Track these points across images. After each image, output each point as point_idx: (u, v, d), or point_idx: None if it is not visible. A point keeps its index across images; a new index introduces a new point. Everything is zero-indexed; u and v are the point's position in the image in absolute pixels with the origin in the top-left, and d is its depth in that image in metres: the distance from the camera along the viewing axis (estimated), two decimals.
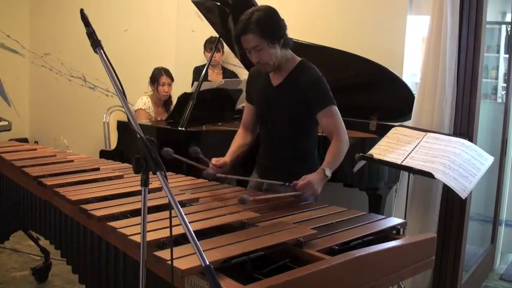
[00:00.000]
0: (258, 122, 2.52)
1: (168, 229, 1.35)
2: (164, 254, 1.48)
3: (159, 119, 4.21)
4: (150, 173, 1.36)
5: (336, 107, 2.32)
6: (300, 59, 2.39)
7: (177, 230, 1.42)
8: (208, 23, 3.89)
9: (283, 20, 2.27)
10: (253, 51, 2.23)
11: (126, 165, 2.74)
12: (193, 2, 3.72)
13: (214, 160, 2.39)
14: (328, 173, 2.22)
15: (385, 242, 1.72)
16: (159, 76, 4.22)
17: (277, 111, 2.37)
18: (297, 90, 2.30)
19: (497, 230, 4.00)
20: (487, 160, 2.74)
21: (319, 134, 2.49)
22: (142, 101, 4.24)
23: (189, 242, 1.25)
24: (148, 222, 1.43)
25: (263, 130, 2.50)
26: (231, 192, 2.31)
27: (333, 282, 1.47)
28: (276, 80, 2.37)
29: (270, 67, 2.30)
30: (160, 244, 1.58)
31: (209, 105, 3.80)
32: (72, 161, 2.79)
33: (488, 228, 4.00)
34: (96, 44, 1.51)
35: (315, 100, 2.29)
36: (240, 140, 2.53)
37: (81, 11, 1.52)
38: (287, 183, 2.20)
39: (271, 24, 2.21)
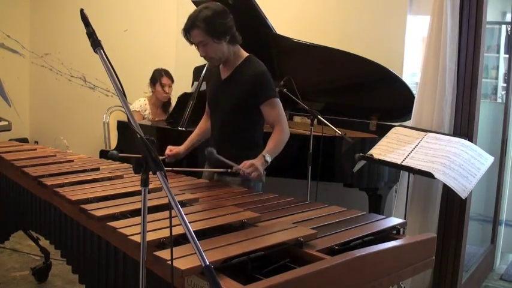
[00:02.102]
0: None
1: (168, 229, 1.35)
2: (164, 254, 1.48)
3: (156, 119, 4.20)
4: (150, 173, 1.36)
5: (278, 99, 2.50)
6: (247, 54, 2.55)
7: (177, 230, 1.42)
8: None
9: (230, 18, 2.43)
10: (200, 45, 2.42)
11: (126, 165, 2.74)
12: (193, 2, 3.72)
13: (168, 149, 2.65)
14: (268, 159, 2.41)
15: (385, 242, 1.72)
16: (159, 77, 4.20)
17: (224, 103, 2.55)
18: (242, 83, 2.48)
19: (497, 230, 4.00)
20: (487, 160, 2.74)
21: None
22: (138, 103, 4.23)
23: (189, 242, 1.25)
24: (148, 222, 1.43)
25: (213, 120, 2.67)
26: (231, 192, 2.31)
27: (333, 282, 1.47)
28: (224, 73, 2.56)
29: (215, 61, 2.49)
30: (160, 244, 1.57)
31: None
32: (72, 161, 2.79)
33: (488, 228, 4.00)
34: (96, 44, 1.51)
35: (258, 92, 2.46)
36: (202, 125, 2.78)
37: (81, 11, 1.52)
38: (229, 170, 2.40)
39: (217, 22, 2.36)
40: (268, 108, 2.48)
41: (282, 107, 2.52)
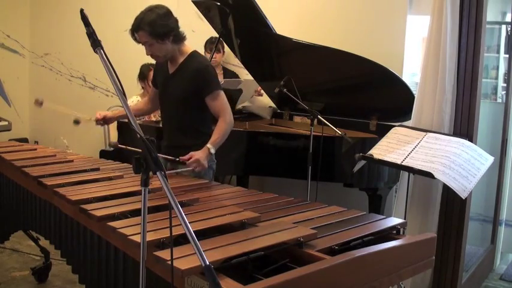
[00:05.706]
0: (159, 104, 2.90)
1: (168, 229, 1.35)
2: (164, 254, 1.48)
3: (152, 116, 4.15)
4: (150, 173, 1.36)
5: (221, 92, 2.66)
6: (191, 50, 2.71)
7: (177, 230, 1.42)
8: (208, 23, 3.89)
9: (173, 19, 2.58)
10: (146, 45, 2.58)
11: (126, 165, 2.74)
12: (193, 2, 3.72)
13: (97, 113, 2.86)
14: (213, 150, 2.58)
15: (385, 242, 1.72)
16: (147, 72, 4.19)
17: (171, 95, 2.73)
18: (186, 78, 2.64)
19: (497, 230, 4.00)
20: (487, 160, 2.73)
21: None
22: (130, 101, 4.20)
23: (189, 242, 1.25)
24: (148, 222, 1.43)
25: (162, 112, 2.87)
26: (231, 193, 2.31)
27: (333, 282, 1.47)
28: (171, 68, 2.73)
29: (161, 59, 2.66)
30: (160, 244, 1.58)
31: None
32: (72, 161, 2.79)
33: (488, 228, 4.00)
34: (96, 44, 1.51)
35: (202, 86, 2.62)
36: (140, 104, 3.11)
37: (81, 11, 1.52)
38: (177, 159, 2.53)
39: (160, 25, 2.51)
40: (212, 100, 2.62)
41: (225, 99, 2.66)
